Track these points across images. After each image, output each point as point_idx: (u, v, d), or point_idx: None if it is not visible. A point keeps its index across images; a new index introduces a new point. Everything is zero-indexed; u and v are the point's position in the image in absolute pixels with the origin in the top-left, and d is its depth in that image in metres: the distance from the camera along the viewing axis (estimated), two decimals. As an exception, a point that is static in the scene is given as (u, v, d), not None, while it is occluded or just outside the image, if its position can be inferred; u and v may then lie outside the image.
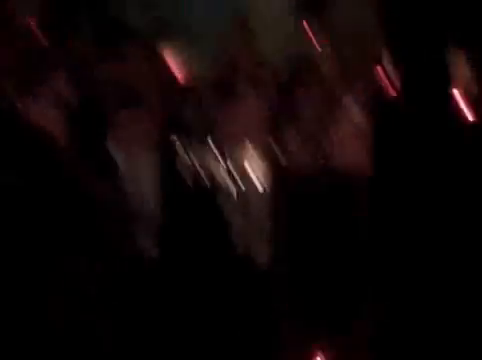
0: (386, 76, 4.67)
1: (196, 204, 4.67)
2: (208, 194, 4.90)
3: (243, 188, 4.75)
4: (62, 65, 3.74)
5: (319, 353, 4.01)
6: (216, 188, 4.83)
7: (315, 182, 4.21)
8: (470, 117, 4.52)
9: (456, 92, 4.51)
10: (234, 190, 4.52)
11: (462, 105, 4.51)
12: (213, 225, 4.87)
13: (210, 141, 4.78)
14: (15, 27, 3.51)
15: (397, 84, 4.57)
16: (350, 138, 4.50)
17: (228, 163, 4.49)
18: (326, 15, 6.33)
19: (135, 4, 5.25)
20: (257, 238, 4.85)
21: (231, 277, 4.41)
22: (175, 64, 5.08)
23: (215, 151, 4.53)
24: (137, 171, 4.88)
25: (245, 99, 4.83)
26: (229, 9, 6.01)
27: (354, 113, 4.41)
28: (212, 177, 4.59)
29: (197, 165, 4.57)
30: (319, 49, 4.71)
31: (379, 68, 4.77)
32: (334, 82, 4.57)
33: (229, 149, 4.60)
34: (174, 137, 4.78)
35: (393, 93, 4.65)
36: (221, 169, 4.49)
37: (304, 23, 6.39)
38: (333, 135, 4.47)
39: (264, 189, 4.73)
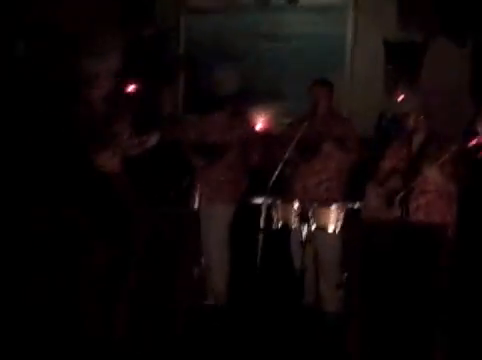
0: (476, 135, 4.57)
1: (270, 252, 4.73)
2: (283, 243, 4.96)
3: (321, 239, 4.75)
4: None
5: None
6: (293, 238, 4.88)
7: (392, 235, 4.17)
8: None
9: None
10: (310, 239, 4.53)
11: None
12: (287, 273, 4.91)
13: (290, 194, 4.86)
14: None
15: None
16: (433, 195, 4.44)
17: (307, 215, 4.52)
18: (416, 74, 6.36)
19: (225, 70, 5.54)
20: (330, 287, 4.80)
21: (302, 324, 4.41)
22: (262, 122, 5.23)
23: (295, 205, 4.58)
24: (215, 220, 5.04)
25: (328, 155, 4.86)
26: (318, 70, 6.18)
27: (439, 171, 4.34)
28: (290, 227, 4.63)
29: (275, 215, 4.64)
30: (408, 107, 4.68)
31: (469, 126, 4.69)
32: (422, 139, 4.53)
33: (309, 202, 4.63)
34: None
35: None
36: (299, 220, 4.53)
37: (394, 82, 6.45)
38: (417, 191, 4.42)
39: (341, 240, 4.72)
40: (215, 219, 5.03)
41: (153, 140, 3.89)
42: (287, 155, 4.62)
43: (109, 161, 3.61)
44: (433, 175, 4.28)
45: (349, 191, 4.95)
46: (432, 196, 4.42)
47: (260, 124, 5.30)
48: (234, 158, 5.04)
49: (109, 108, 3.84)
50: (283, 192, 4.86)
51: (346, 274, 4.42)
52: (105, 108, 3.84)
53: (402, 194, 4.37)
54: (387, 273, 4.04)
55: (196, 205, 5.06)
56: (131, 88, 5.71)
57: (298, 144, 4.70)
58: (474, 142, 4.22)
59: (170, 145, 5.17)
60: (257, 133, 5.04)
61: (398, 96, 6.16)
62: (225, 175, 5.06)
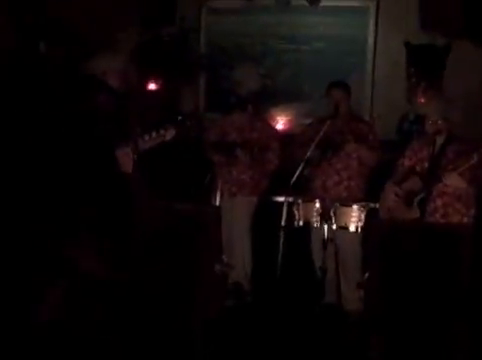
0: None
1: (292, 250, 4.70)
2: (305, 242, 4.92)
3: (342, 239, 4.72)
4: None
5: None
6: (314, 237, 4.84)
7: (413, 236, 4.12)
8: None
9: None
10: (331, 238, 4.50)
11: None
12: (308, 272, 4.87)
13: (311, 192, 4.83)
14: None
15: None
16: (451, 197, 4.41)
17: (328, 214, 4.49)
18: (438, 77, 6.31)
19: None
20: (351, 286, 4.73)
21: (324, 323, 4.37)
22: (283, 122, 5.21)
23: (316, 203, 4.55)
24: (237, 213, 5.04)
25: (349, 154, 4.84)
26: (338, 72, 6.16)
27: (458, 178, 4.32)
28: (311, 226, 4.61)
29: (296, 214, 4.62)
30: (430, 110, 4.63)
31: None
32: (443, 141, 4.49)
33: (330, 201, 4.61)
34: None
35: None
36: (321, 219, 4.50)
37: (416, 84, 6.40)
38: (434, 193, 4.39)
39: (361, 239, 4.68)
40: (237, 212, 5.05)
41: (167, 135, 3.87)
42: (308, 154, 4.60)
43: (126, 157, 3.60)
44: (452, 182, 4.26)
45: (371, 192, 4.90)
46: (450, 198, 4.39)
47: (280, 124, 5.27)
48: (255, 157, 5.02)
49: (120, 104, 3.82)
50: (304, 191, 4.83)
51: (367, 274, 4.36)
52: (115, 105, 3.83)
53: (421, 196, 4.36)
54: (407, 273, 4.00)
55: (217, 202, 5.06)
56: (152, 86, 5.74)
57: (319, 143, 4.69)
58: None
59: (191, 143, 5.17)
60: (277, 133, 5.02)
61: (420, 98, 6.15)
62: (246, 173, 5.07)
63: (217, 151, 5.15)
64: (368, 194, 4.88)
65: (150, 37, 6.55)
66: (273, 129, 5.41)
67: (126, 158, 3.56)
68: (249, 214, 5.09)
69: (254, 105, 5.25)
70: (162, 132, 3.79)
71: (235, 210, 5.06)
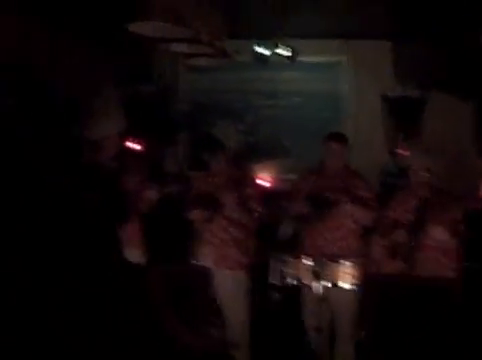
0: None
1: (283, 309, 4.60)
2: (296, 300, 4.82)
3: (335, 296, 4.63)
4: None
5: None
6: (305, 296, 4.74)
7: (402, 289, 4.10)
8: None
9: None
10: (324, 297, 4.38)
11: None
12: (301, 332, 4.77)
13: (301, 250, 4.73)
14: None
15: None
16: (435, 250, 4.40)
17: (319, 272, 4.39)
18: (417, 128, 6.38)
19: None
20: (345, 342, 4.67)
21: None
22: (265, 177, 5.15)
23: (306, 261, 4.43)
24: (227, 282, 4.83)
25: (345, 213, 4.68)
26: (317, 126, 6.19)
27: (443, 230, 4.32)
28: (302, 284, 4.49)
29: (286, 272, 4.49)
30: (411, 161, 4.65)
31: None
32: (426, 194, 4.49)
33: (319, 258, 4.49)
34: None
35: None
36: (312, 277, 4.39)
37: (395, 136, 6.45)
38: (419, 245, 4.38)
39: (354, 293, 4.58)
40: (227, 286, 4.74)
41: (151, 195, 3.82)
42: (298, 210, 4.47)
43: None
44: (436, 234, 4.26)
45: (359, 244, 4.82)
46: (435, 252, 4.38)
47: (263, 180, 5.21)
48: (238, 215, 4.79)
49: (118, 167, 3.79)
50: (293, 248, 4.71)
51: (364, 332, 4.29)
52: (114, 167, 3.78)
53: (405, 248, 4.34)
54: (402, 329, 3.96)
55: (203, 263, 4.86)
56: (135, 146, 5.68)
57: (312, 200, 4.60)
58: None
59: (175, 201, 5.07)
60: (260, 188, 4.92)
61: (400, 150, 6.19)
62: (230, 234, 4.79)
63: (199, 206, 4.78)
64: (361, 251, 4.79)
65: (128, 96, 6.52)
66: (256, 184, 5.18)
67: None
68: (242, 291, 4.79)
69: (235, 161, 5.15)
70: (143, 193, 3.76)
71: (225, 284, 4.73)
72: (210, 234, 4.84)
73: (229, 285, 4.70)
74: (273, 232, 4.59)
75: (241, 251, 4.79)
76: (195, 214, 4.84)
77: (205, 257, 4.80)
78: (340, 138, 4.84)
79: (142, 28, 4.27)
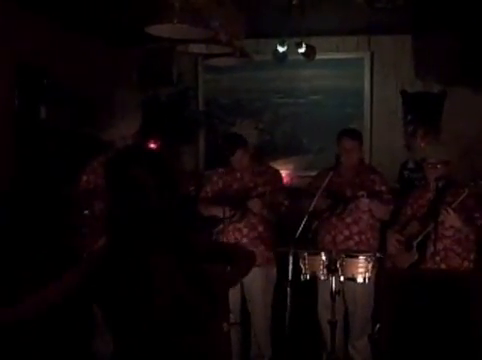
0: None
1: (299, 303, 4.58)
2: (312, 294, 4.83)
3: (350, 290, 4.66)
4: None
5: None
6: (320, 290, 4.76)
7: (422, 286, 4.08)
8: None
9: None
10: (339, 291, 4.38)
11: None
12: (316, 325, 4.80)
13: (319, 246, 4.74)
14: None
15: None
16: (451, 240, 4.38)
17: (335, 266, 4.39)
18: (436, 123, 6.36)
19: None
20: (360, 337, 4.70)
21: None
22: (284, 176, 5.14)
23: (323, 256, 4.44)
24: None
25: (362, 209, 4.69)
26: (336, 124, 6.19)
27: (455, 216, 4.30)
28: (318, 278, 4.49)
29: (303, 267, 4.50)
30: (429, 156, 4.63)
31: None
32: (442, 187, 4.48)
33: (336, 253, 4.49)
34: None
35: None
36: (328, 272, 4.40)
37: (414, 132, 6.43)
38: (434, 236, 4.36)
39: (369, 287, 4.60)
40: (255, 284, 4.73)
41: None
42: (315, 206, 4.49)
43: None
44: (447, 219, 4.23)
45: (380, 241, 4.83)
46: (449, 242, 4.36)
47: (282, 177, 5.22)
48: (265, 212, 4.77)
49: None
50: (311, 243, 4.68)
51: (378, 325, 4.30)
52: None
53: (419, 239, 4.33)
54: (418, 324, 3.95)
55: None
56: (151, 146, 5.76)
57: (329, 196, 4.60)
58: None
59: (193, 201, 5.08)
60: (280, 187, 4.92)
61: (419, 144, 6.18)
62: (258, 231, 4.79)
63: (218, 206, 4.75)
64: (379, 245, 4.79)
65: (148, 97, 6.61)
66: (276, 183, 5.10)
67: None
68: (272, 286, 4.84)
69: (254, 160, 5.11)
70: None
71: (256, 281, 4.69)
72: (239, 233, 4.81)
73: (259, 282, 4.71)
74: (291, 227, 4.59)
75: (268, 248, 4.81)
76: (221, 211, 4.77)
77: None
78: (353, 134, 4.85)
79: (160, 30, 4.33)
